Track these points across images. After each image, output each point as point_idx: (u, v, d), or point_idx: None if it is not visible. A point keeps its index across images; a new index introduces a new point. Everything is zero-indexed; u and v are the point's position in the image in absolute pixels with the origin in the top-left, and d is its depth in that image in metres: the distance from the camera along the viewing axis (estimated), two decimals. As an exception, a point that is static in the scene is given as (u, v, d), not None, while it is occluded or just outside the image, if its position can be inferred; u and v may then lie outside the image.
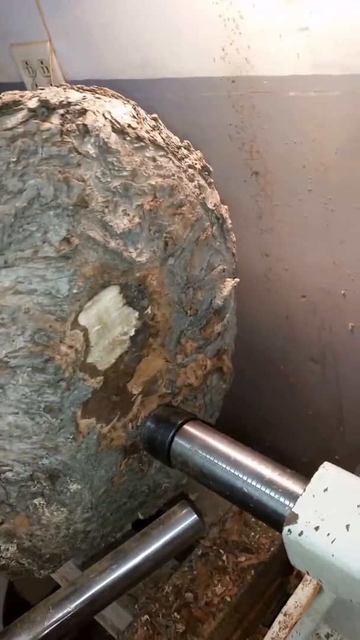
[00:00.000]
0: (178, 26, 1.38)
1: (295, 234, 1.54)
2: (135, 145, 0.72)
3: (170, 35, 1.42)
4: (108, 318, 0.73)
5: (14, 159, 0.61)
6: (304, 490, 0.60)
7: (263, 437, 1.86)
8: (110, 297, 0.72)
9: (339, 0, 1.09)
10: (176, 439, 0.72)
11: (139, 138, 0.74)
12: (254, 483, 0.64)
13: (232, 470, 0.66)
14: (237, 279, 0.97)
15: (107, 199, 0.67)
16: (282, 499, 0.62)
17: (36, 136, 0.63)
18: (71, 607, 0.63)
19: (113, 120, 0.71)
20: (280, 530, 0.59)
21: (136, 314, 0.77)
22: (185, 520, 0.69)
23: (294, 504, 0.59)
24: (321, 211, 1.43)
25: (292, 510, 0.58)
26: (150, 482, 0.90)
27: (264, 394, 1.93)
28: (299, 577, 0.96)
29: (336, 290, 1.54)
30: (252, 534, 0.95)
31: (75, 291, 0.65)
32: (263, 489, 0.63)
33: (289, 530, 0.57)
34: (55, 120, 0.65)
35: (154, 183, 0.73)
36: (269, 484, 0.63)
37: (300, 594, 0.85)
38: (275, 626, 0.83)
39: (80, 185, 0.64)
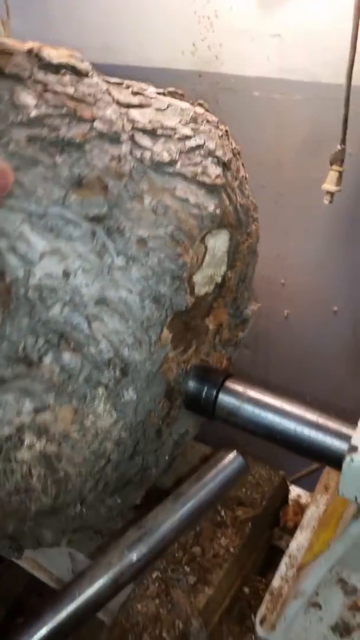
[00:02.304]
0: (148, 15, 1.42)
1: (245, 225, 1.64)
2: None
3: (138, 22, 1.45)
4: (216, 253, 0.85)
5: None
6: (356, 428, 0.69)
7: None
8: (224, 238, 0.86)
9: (310, 14, 1.22)
10: (221, 393, 0.78)
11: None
12: (306, 427, 0.72)
13: (284, 418, 0.74)
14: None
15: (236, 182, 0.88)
16: (335, 438, 0.70)
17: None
18: (145, 548, 0.65)
19: None
20: (337, 463, 0.68)
21: (225, 267, 0.89)
22: (235, 462, 0.74)
23: (350, 440, 0.68)
24: (271, 206, 1.55)
25: (353, 442, 0.67)
26: (145, 459, 0.92)
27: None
28: (284, 529, 1.06)
29: (277, 279, 1.68)
30: (244, 489, 1.03)
31: (216, 213, 0.77)
32: (315, 431, 0.72)
33: (352, 459, 0.66)
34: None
35: None
36: (321, 426, 0.72)
37: (300, 538, 0.95)
38: (282, 567, 0.92)
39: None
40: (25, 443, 0.69)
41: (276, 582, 0.89)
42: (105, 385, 0.70)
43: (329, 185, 1.29)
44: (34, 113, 0.65)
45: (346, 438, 0.69)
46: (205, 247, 0.82)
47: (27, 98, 0.65)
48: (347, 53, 1.13)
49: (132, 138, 0.72)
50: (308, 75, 1.28)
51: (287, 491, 1.07)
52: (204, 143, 0.80)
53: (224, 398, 0.78)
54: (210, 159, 0.79)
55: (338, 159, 1.26)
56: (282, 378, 1.83)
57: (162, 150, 0.74)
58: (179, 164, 0.76)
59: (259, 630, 0.84)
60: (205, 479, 0.73)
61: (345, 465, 0.67)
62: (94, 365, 0.69)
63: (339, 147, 1.26)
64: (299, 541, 0.93)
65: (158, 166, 0.73)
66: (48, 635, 0.60)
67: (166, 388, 0.78)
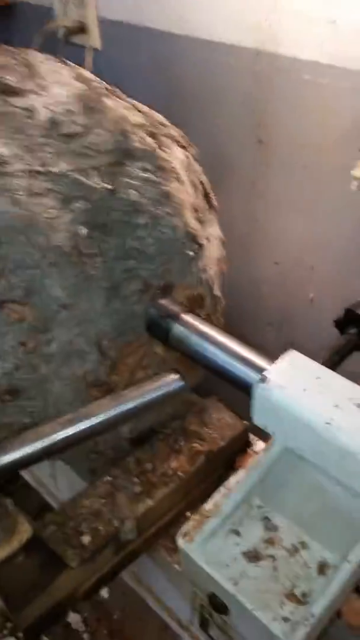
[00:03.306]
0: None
1: (283, 204, 1.71)
2: None
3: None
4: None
5: None
6: (275, 362, 0.77)
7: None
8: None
9: (365, 3, 1.26)
10: (177, 323, 0.88)
11: None
12: (234, 359, 0.81)
13: (218, 350, 0.83)
14: None
15: None
16: (253, 370, 0.79)
17: None
18: (74, 430, 0.78)
19: None
20: (250, 391, 0.76)
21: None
22: (176, 382, 0.85)
23: (266, 371, 0.76)
24: (310, 188, 1.61)
25: (264, 374, 0.75)
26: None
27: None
28: (238, 473, 1.14)
29: (306, 262, 1.73)
30: (207, 429, 1.12)
31: None
32: (240, 363, 0.80)
33: (261, 388, 0.74)
34: None
35: None
36: (245, 360, 0.81)
37: (240, 475, 1.03)
38: (217, 495, 1.01)
39: None
40: None
41: (207, 506, 0.98)
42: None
43: (358, 172, 1.34)
44: None
45: (262, 370, 0.77)
46: None
47: None
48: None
49: None
50: (356, 63, 1.32)
51: (247, 440, 1.15)
52: None
53: (178, 327, 0.88)
54: None
55: (369, 146, 1.30)
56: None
57: None
58: None
59: (179, 541, 0.94)
60: (145, 388, 0.84)
61: (255, 393, 0.75)
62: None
63: (372, 135, 1.30)
64: (239, 477, 1.01)
65: None
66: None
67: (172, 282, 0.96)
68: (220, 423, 1.13)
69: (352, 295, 1.65)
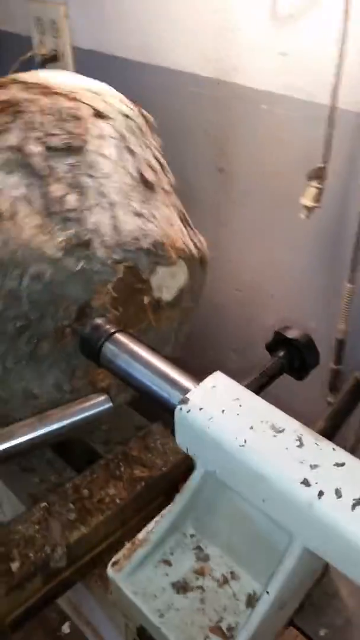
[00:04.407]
0: (181, 24, 1.55)
1: (244, 231, 1.72)
2: None
3: (172, 29, 1.59)
4: (177, 277, 1.13)
5: None
6: (197, 385, 0.76)
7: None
8: (184, 273, 1.14)
9: (313, 36, 1.29)
10: (108, 342, 0.87)
11: None
12: (162, 381, 0.80)
13: (147, 371, 0.82)
14: None
15: None
16: (177, 391, 0.77)
17: None
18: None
19: None
20: (173, 413, 0.75)
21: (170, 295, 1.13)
22: (102, 403, 0.83)
23: (189, 393, 0.75)
24: (269, 215, 1.62)
25: (186, 396, 0.74)
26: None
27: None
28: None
29: (267, 289, 1.73)
30: (150, 455, 1.10)
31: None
32: (167, 384, 0.79)
33: (180, 409, 0.73)
34: None
35: None
36: (172, 381, 0.79)
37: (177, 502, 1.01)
38: (152, 523, 0.98)
39: None
40: None
41: (141, 535, 0.96)
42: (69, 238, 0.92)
43: (306, 200, 1.35)
44: None
45: (186, 392, 0.76)
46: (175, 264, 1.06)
47: None
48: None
49: None
50: (306, 94, 1.35)
51: (191, 465, 1.13)
52: None
53: (109, 346, 0.87)
54: None
55: (317, 175, 1.32)
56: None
57: None
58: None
59: (109, 570, 0.91)
60: (71, 410, 0.83)
61: (175, 414, 0.74)
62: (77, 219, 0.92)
63: (320, 164, 1.32)
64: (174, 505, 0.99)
65: None
66: None
67: (84, 302, 0.95)
68: (164, 448, 1.11)
69: (307, 323, 1.65)
